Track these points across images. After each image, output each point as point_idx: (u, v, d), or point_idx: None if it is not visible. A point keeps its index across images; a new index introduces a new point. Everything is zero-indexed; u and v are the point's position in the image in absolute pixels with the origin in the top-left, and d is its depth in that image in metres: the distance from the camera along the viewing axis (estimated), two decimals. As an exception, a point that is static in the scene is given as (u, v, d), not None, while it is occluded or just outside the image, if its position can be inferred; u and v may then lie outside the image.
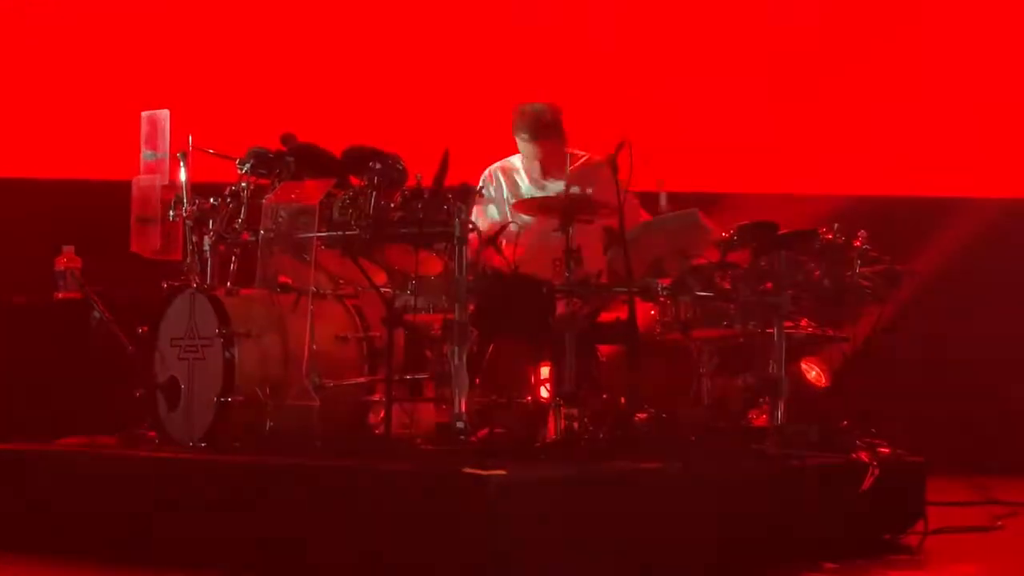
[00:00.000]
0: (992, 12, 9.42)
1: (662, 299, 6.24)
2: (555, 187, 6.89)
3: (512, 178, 7.17)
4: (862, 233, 6.47)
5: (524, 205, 6.72)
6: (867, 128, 9.28)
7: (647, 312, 6.29)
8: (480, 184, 7.06)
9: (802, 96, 9.23)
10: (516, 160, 7.23)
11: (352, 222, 5.93)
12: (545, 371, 6.17)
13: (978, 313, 9.30)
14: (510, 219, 6.84)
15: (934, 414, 8.69)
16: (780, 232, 6.31)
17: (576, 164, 6.77)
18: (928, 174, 9.40)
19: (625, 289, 6.08)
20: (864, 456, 6.03)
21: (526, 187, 7.10)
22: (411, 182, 5.97)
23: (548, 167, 7.07)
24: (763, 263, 6.28)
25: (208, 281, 6.26)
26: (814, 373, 6.59)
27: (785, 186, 9.05)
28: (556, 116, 7.03)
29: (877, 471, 5.94)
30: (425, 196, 5.88)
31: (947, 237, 9.08)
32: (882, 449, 6.16)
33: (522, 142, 7.10)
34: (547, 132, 7.02)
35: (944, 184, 9.41)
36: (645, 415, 6.08)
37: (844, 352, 6.51)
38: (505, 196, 7.15)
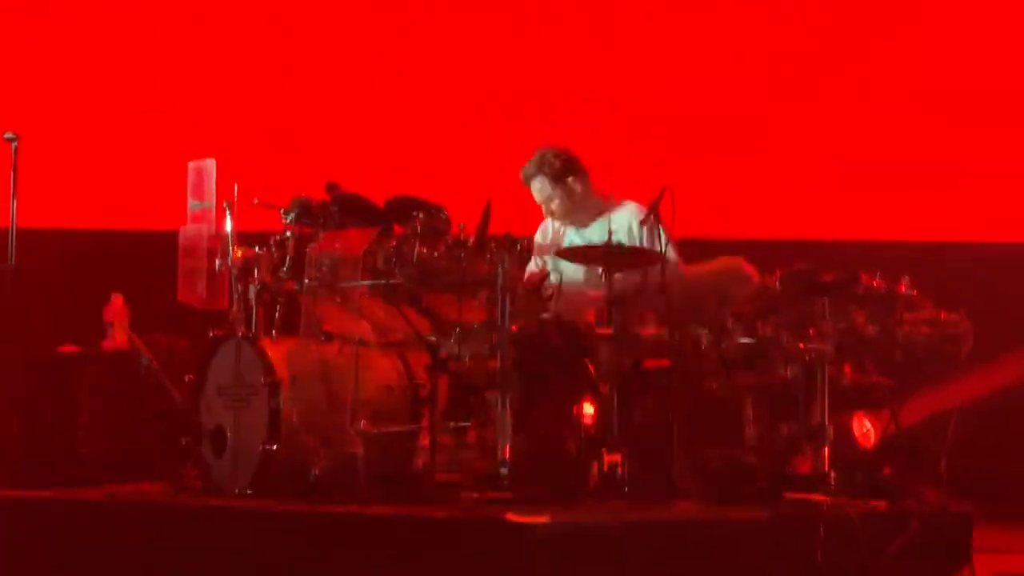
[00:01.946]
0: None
1: (706, 346, 6.25)
2: (594, 234, 6.89)
3: (554, 226, 7.18)
4: (905, 279, 6.45)
5: (567, 253, 6.74)
6: (911, 173, 9.26)
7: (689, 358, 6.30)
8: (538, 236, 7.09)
9: (842, 141, 9.23)
10: None
11: (396, 271, 5.98)
12: (588, 416, 6.17)
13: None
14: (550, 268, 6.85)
15: (980, 462, 8.61)
16: (822, 279, 6.30)
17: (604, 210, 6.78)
18: (975, 218, 9.36)
19: (667, 336, 6.09)
20: (910, 503, 6.00)
21: (568, 237, 7.11)
22: (454, 231, 6.02)
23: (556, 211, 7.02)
24: (806, 310, 6.27)
25: (253, 330, 6.30)
26: (865, 430, 6.54)
27: (828, 232, 9.04)
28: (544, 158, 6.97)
29: (923, 518, 5.90)
30: (468, 246, 5.92)
31: None
32: (928, 496, 6.12)
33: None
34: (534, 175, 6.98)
35: (990, 229, 9.37)
36: (688, 462, 6.07)
37: (895, 415, 6.43)
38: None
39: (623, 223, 6.76)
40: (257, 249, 6.38)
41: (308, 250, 6.20)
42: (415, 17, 9.03)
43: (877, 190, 9.24)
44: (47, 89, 8.79)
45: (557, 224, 7.06)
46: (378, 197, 6.29)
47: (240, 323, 6.35)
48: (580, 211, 6.93)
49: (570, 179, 6.90)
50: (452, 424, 6.03)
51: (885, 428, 6.49)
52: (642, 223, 6.76)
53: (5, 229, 7.33)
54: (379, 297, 6.12)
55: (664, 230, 6.43)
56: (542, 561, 4.95)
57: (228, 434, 6.15)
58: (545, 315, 6.31)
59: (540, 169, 6.89)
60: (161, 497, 6.23)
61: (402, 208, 6.11)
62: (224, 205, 6.47)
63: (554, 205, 6.93)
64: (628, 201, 6.91)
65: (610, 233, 6.33)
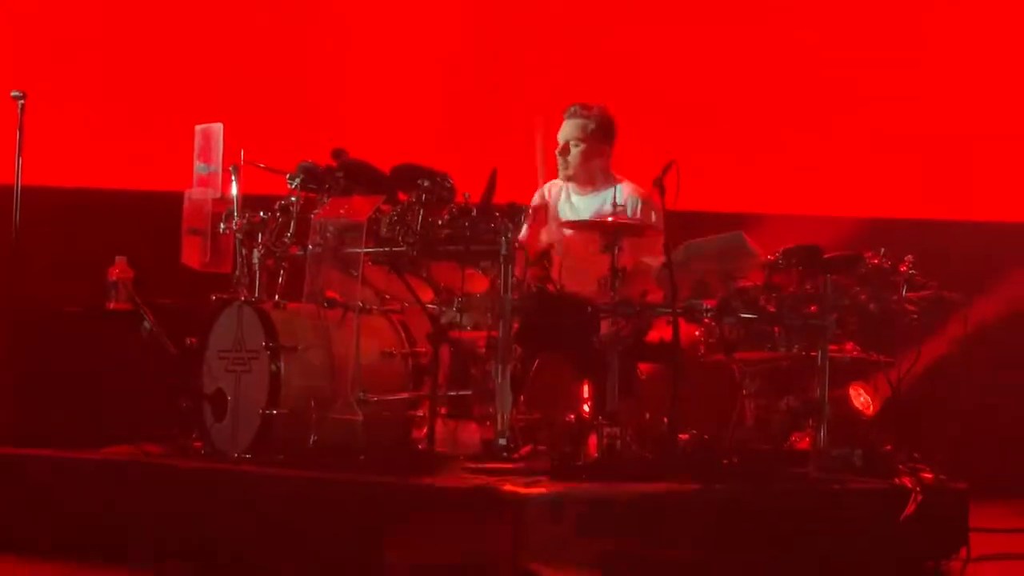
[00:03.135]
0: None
1: (706, 320, 6.26)
2: (584, 203, 6.92)
3: (552, 192, 7.17)
4: (909, 258, 6.45)
5: (570, 224, 6.75)
6: (917, 151, 9.25)
7: (690, 332, 6.31)
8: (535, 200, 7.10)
9: (850, 116, 9.21)
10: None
11: (400, 238, 5.99)
12: (587, 388, 6.19)
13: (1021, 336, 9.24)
14: (554, 235, 6.86)
15: (978, 438, 8.62)
16: (825, 256, 6.30)
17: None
18: (981, 198, 9.36)
19: (669, 310, 6.09)
20: (907, 481, 6.01)
21: (573, 199, 7.09)
22: (459, 200, 6.02)
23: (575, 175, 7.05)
24: (808, 286, 6.28)
25: (256, 294, 6.32)
26: (862, 399, 6.56)
27: (832, 208, 9.03)
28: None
29: (920, 497, 5.92)
30: (472, 214, 5.93)
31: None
32: (925, 475, 6.13)
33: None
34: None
35: (996, 209, 9.36)
36: (687, 436, 6.09)
37: (892, 381, 6.45)
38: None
39: (623, 199, 6.78)
40: (262, 214, 6.39)
41: (312, 216, 6.20)
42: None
43: (883, 167, 9.23)
44: (54, 47, 8.77)
45: (556, 189, 7.07)
46: (384, 164, 6.29)
47: (243, 287, 6.36)
48: (585, 175, 6.95)
49: (602, 146, 6.92)
50: (453, 393, 6.06)
51: (884, 397, 6.51)
52: (647, 196, 6.78)
53: (10, 187, 7.34)
54: (382, 264, 6.13)
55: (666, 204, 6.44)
56: (538, 532, 4.97)
57: (228, 398, 6.17)
58: (548, 286, 6.33)
59: (589, 117, 6.94)
60: (160, 459, 6.24)
61: (407, 175, 6.11)
62: (230, 169, 6.48)
63: (573, 151, 6.94)
64: (626, 181, 6.95)
65: (614, 202, 6.34)
